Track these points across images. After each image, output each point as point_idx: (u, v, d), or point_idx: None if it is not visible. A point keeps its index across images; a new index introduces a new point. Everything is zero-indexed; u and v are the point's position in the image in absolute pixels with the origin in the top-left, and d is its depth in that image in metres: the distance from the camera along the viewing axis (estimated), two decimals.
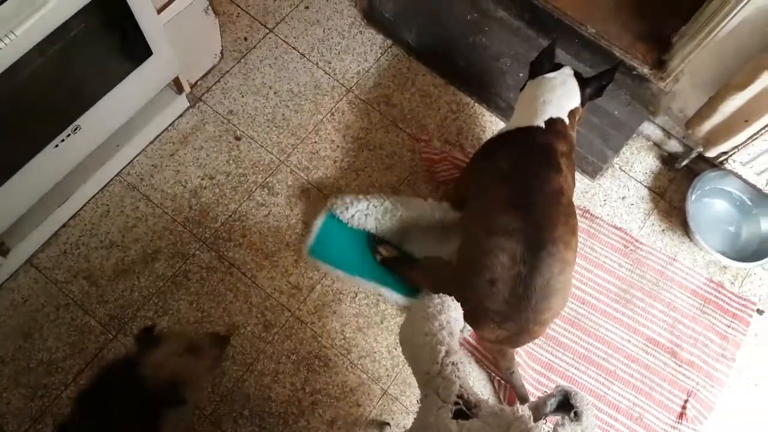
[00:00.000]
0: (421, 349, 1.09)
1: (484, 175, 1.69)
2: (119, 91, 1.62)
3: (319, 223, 1.96)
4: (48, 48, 1.32)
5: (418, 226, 1.94)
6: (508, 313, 1.51)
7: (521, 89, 1.82)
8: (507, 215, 1.52)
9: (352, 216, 1.91)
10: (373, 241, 1.94)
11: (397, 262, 1.91)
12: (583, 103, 1.74)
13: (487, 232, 1.54)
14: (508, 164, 1.62)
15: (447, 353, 1.04)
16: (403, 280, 1.91)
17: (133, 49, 1.57)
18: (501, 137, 1.74)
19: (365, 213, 1.91)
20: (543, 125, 1.65)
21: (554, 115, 1.67)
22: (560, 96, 1.69)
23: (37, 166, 1.54)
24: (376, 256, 1.92)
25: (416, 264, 1.87)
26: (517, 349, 1.86)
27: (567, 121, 1.68)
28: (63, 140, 1.56)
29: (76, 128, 1.57)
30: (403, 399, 1.86)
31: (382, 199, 1.92)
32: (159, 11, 1.57)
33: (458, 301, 1.37)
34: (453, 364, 1.03)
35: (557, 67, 1.75)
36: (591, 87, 1.75)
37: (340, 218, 1.94)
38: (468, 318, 1.48)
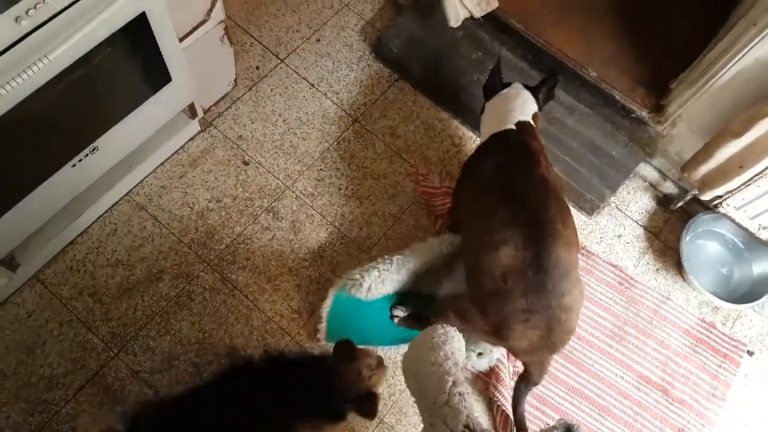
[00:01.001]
0: (427, 379, 1.12)
1: (471, 189, 1.74)
2: (138, 114, 1.67)
3: (328, 304, 1.89)
4: (74, 71, 1.36)
5: (432, 265, 1.93)
6: (531, 306, 1.46)
7: (481, 113, 1.91)
8: (500, 210, 1.55)
9: (369, 289, 1.85)
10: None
11: (414, 318, 1.90)
12: (540, 108, 1.87)
13: (486, 233, 1.54)
14: (492, 167, 1.68)
15: (454, 383, 1.08)
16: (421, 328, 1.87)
17: (154, 74, 1.62)
18: (477, 150, 1.81)
19: (380, 279, 1.85)
20: (514, 127, 1.75)
21: (522, 119, 1.77)
22: (522, 104, 1.81)
23: (55, 184, 1.58)
24: (393, 320, 1.92)
25: (433, 310, 1.82)
26: (494, 393, 1.88)
27: (533, 123, 1.79)
28: (81, 160, 1.60)
29: (94, 149, 1.62)
30: (399, 428, 1.87)
31: (389, 259, 1.88)
32: (180, 40, 1.62)
33: (482, 319, 1.43)
34: (460, 394, 1.06)
35: (507, 84, 1.88)
36: (542, 92, 1.88)
37: (357, 297, 1.86)
38: (496, 333, 1.51)
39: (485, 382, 1.93)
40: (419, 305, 1.92)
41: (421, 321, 1.88)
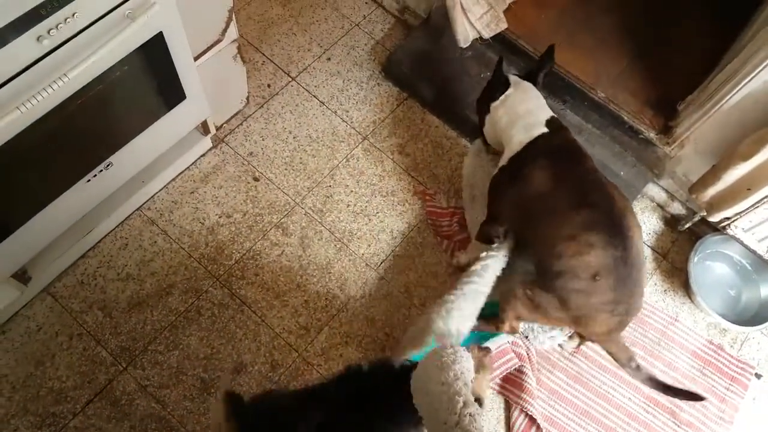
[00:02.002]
0: (437, 399, 1.12)
1: (521, 199, 1.72)
2: (152, 131, 1.70)
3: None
4: (91, 88, 1.39)
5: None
6: (618, 297, 1.56)
7: (483, 124, 1.89)
8: (575, 215, 1.60)
9: (458, 329, 1.67)
10: None
11: (483, 320, 1.82)
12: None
13: (566, 240, 1.58)
14: (544, 174, 1.67)
15: (465, 404, 1.08)
16: (491, 329, 1.89)
17: (169, 92, 1.65)
18: (515, 161, 1.76)
19: (461, 314, 1.69)
20: (546, 129, 1.75)
21: (548, 116, 1.78)
22: (536, 98, 1.82)
23: (69, 198, 1.60)
24: None
25: (501, 304, 1.80)
26: (519, 404, 1.88)
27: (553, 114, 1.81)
28: (95, 175, 1.62)
29: (108, 164, 1.64)
30: None
31: (461, 291, 1.71)
32: (195, 59, 1.65)
33: (562, 310, 1.55)
34: (470, 415, 1.07)
35: (506, 81, 1.84)
36: (540, 77, 1.88)
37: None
38: (576, 321, 1.61)
39: (507, 391, 1.93)
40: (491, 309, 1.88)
41: (490, 322, 1.87)
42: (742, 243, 2.07)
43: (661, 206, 2.31)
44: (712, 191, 1.95)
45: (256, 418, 1.30)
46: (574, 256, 1.57)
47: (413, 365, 1.35)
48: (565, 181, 1.66)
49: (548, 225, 1.65)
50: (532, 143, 1.74)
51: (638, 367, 1.74)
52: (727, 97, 1.81)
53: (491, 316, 1.90)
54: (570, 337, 1.97)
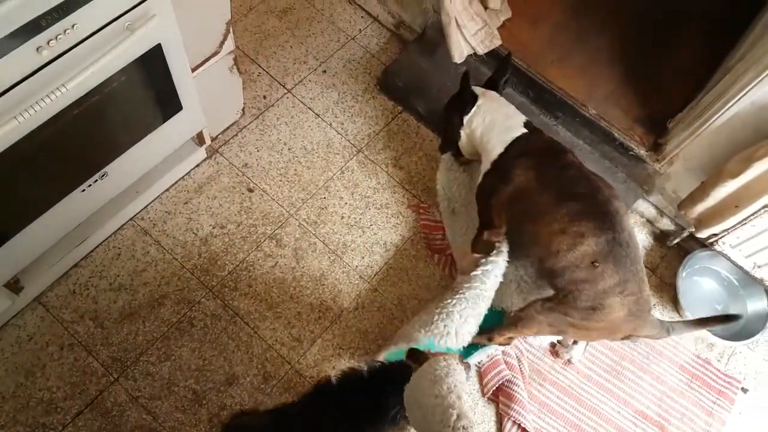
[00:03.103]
0: (431, 411, 1.13)
1: (511, 201, 1.75)
2: (148, 141, 1.70)
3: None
4: (88, 99, 1.39)
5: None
6: (623, 277, 1.58)
7: (455, 138, 1.93)
8: (563, 208, 1.64)
9: (457, 334, 1.76)
10: None
11: (481, 333, 1.87)
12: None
13: (558, 234, 1.63)
14: (530, 174, 1.72)
15: (458, 417, 1.09)
16: (484, 341, 1.91)
17: (166, 103, 1.66)
18: (498, 165, 1.79)
19: (463, 320, 1.76)
20: (525, 129, 1.80)
21: (524, 119, 1.83)
22: (506, 105, 1.87)
23: (64, 208, 1.59)
24: None
25: (513, 322, 1.80)
26: (511, 415, 1.89)
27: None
28: (90, 185, 1.62)
29: (103, 174, 1.64)
30: None
31: (462, 296, 1.77)
32: (192, 70, 1.66)
33: (575, 311, 1.57)
34: (464, 428, 1.08)
35: (473, 94, 1.89)
36: (501, 85, 1.95)
37: (449, 347, 1.75)
38: (591, 316, 1.61)
39: (499, 402, 1.95)
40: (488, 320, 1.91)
41: (486, 334, 1.88)
42: (729, 259, 2.10)
43: (650, 222, 2.34)
44: (700, 208, 1.98)
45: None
46: (569, 249, 1.61)
47: (383, 367, 1.38)
48: (549, 177, 1.70)
49: (539, 224, 1.69)
50: (513, 144, 1.78)
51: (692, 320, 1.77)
52: (716, 116, 1.85)
53: (487, 329, 1.92)
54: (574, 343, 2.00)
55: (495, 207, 1.83)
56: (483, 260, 1.83)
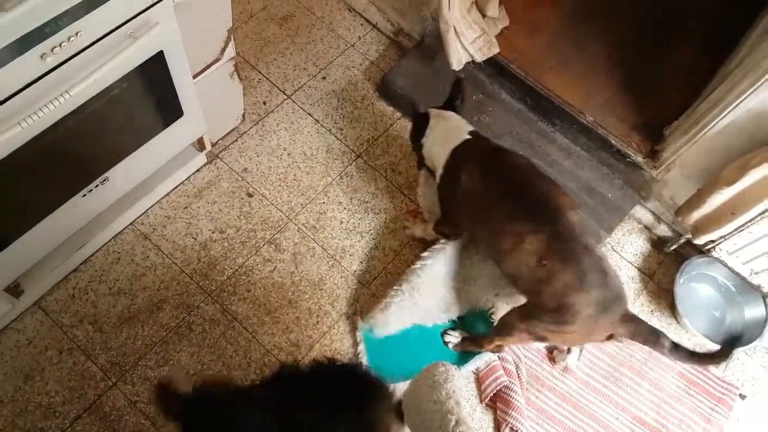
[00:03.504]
0: (429, 417, 1.14)
1: (463, 203, 1.78)
2: (149, 147, 1.71)
3: (363, 350, 1.95)
4: (91, 105, 1.40)
5: (452, 278, 2.02)
6: (576, 272, 1.53)
7: (421, 146, 1.94)
8: (502, 209, 1.65)
9: (394, 323, 1.94)
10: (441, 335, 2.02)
11: (469, 341, 1.97)
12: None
13: (502, 235, 1.64)
14: (474, 178, 1.73)
15: (457, 422, 1.09)
16: (476, 349, 1.96)
17: (167, 109, 1.67)
18: (449, 169, 1.82)
19: (400, 311, 1.93)
20: (469, 136, 1.83)
21: (470, 128, 1.86)
22: (459, 119, 1.90)
23: (65, 213, 1.61)
24: (447, 345, 2.00)
25: (498, 331, 1.84)
26: (508, 421, 1.90)
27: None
28: (91, 190, 1.63)
29: (104, 179, 1.65)
30: None
31: (399, 289, 1.96)
32: (194, 77, 1.67)
33: (548, 314, 1.54)
34: None
35: (426, 116, 1.93)
36: (458, 105, 1.96)
37: (386, 335, 1.96)
38: (564, 319, 1.57)
39: (497, 408, 1.95)
40: (475, 324, 1.97)
41: (476, 341, 1.93)
42: (726, 265, 2.11)
43: (648, 228, 2.36)
44: (697, 214, 1.99)
45: (197, 412, 1.30)
46: (513, 250, 1.61)
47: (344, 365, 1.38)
48: (491, 179, 1.71)
49: (486, 226, 1.72)
50: (458, 150, 1.81)
51: (675, 345, 1.62)
52: (712, 124, 1.86)
53: (477, 336, 1.94)
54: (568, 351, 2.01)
55: (454, 213, 1.88)
56: (426, 253, 2.00)
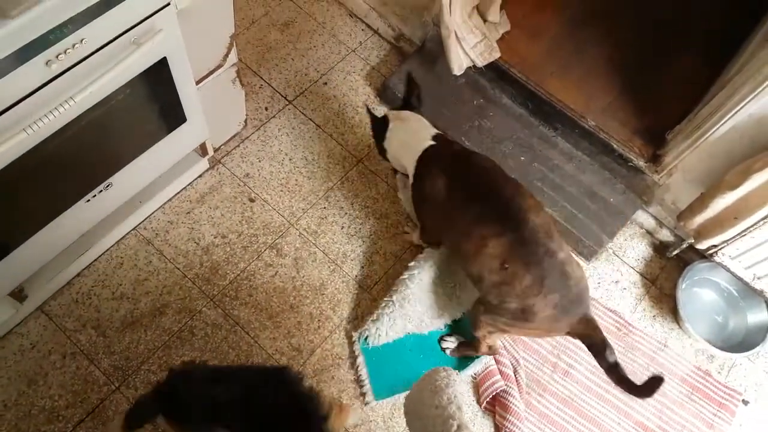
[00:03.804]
0: (431, 422, 1.14)
1: (432, 210, 1.80)
2: (152, 152, 1.72)
3: (362, 363, 1.95)
4: (94, 111, 1.41)
5: (440, 285, 2.03)
6: (536, 275, 1.55)
7: (385, 151, 1.96)
8: (467, 213, 1.66)
9: (387, 334, 1.96)
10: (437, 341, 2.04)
11: (465, 345, 1.99)
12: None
13: (466, 238, 1.65)
14: (440, 182, 1.73)
15: (459, 427, 1.10)
16: (472, 353, 1.98)
17: (170, 115, 1.68)
18: (418, 175, 1.83)
19: (391, 322, 1.95)
20: (433, 141, 1.82)
21: (432, 132, 1.85)
22: (418, 121, 1.90)
23: (68, 218, 1.61)
24: (445, 352, 2.01)
25: (471, 327, 1.85)
26: (506, 426, 1.90)
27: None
28: (95, 196, 1.64)
29: (108, 185, 1.66)
30: None
31: (389, 299, 1.98)
32: (197, 83, 1.69)
33: (508, 314, 1.55)
34: None
35: (385, 119, 1.93)
36: (414, 101, 1.98)
37: (379, 344, 1.97)
38: (525, 318, 1.59)
39: (495, 413, 1.95)
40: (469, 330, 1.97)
41: (472, 345, 1.94)
42: (729, 270, 2.11)
43: (650, 233, 2.36)
44: (699, 219, 1.99)
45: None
46: (477, 253, 1.62)
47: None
48: (457, 183, 1.72)
49: (453, 231, 1.73)
50: (423, 157, 1.81)
51: (615, 364, 1.57)
52: (714, 129, 1.87)
53: (471, 340, 1.94)
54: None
55: (426, 216, 1.91)
56: (412, 263, 2.03)
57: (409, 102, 1.98)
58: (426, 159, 1.80)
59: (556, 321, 1.61)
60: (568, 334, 1.66)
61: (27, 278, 1.72)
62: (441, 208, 1.75)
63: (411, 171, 1.85)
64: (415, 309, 1.99)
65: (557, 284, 1.56)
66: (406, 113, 1.94)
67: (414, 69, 2.42)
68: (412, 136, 1.86)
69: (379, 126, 1.93)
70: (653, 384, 1.53)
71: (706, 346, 2.10)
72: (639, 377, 2.05)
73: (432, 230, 1.98)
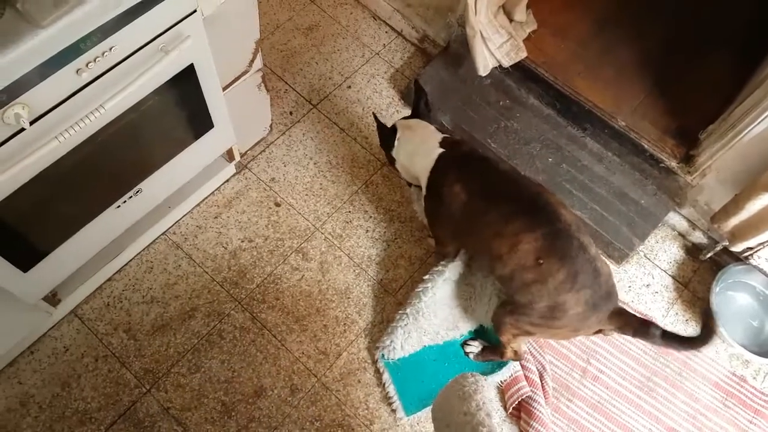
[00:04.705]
0: (460, 429, 1.13)
1: (452, 215, 1.77)
2: (180, 158, 1.74)
3: (388, 380, 1.94)
4: (124, 118, 1.44)
5: (455, 297, 2.02)
6: (570, 270, 1.54)
7: (394, 160, 1.95)
8: (494, 213, 1.64)
9: (402, 347, 1.95)
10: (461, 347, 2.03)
11: (489, 350, 1.97)
12: (429, 121, 1.94)
13: (497, 239, 1.63)
14: (457, 188, 1.72)
15: None
16: (497, 358, 1.96)
17: (198, 121, 1.70)
18: (431, 185, 1.82)
19: (407, 334, 1.94)
20: (441, 148, 1.79)
21: (439, 138, 1.83)
22: (424, 128, 1.88)
23: (100, 224, 1.64)
24: (468, 356, 2.00)
25: (495, 331, 1.84)
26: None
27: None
28: (125, 201, 1.67)
29: (138, 191, 1.68)
30: None
31: (404, 312, 1.97)
32: (223, 89, 1.70)
33: (536, 314, 1.54)
34: None
35: (393, 128, 1.91)
36: (422, 108, 1.95)
37: (399, 357, 1.95)
38: (552, 315, 1.59)
39: (521, 420, 1.93)
40: (493, 336, 1.96)
41: (496, 350, 1.93)
42: (765, 273, 2.05)
43: (682, 235, 2.30)
44: (734, 221, 1.94)
45: None
46: (510, 251, 1.60)
47: None
48: (475, 186, 1.70)
49: (478, 233, 1.70)
50: (436, 166, 1.79)
51: (664, 333, 1.59)
52: (749, 128, 1.82)
53: (495, 344, 1.92)
54: None
55: (441, 227, 1.89)
56: (427, 276, 2.01)
57: (418, 109, 1.96)
58: (438, 169, 1.79)
59: (585, 318, 1.59)
60: (600, 332, 1.65)
61: (60, 283, 1.75)
62: (462, 214, 1.73)
63: (424, 183, 1.83)
64: (430, 322, 1.97)
65: (589, 280, 1.55)
66: (414, 121, 1.92)
67: (438, 70, 2.42)
68: (420, 146, 1.84)
69: (387, 135, 1.92)
70: (711, 327, 1.58)
71: (741, 351, 2.04)
72: (671, 382, 2.03)
73: (449, 239, 1.95)
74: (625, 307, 2.09)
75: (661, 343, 1.60)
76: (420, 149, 1.84)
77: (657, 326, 1.58)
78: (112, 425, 1.79)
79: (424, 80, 2.40)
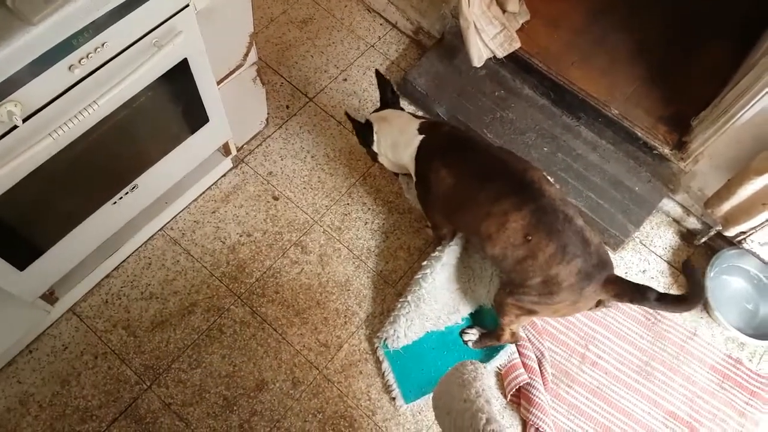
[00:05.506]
0: (460, 417, 1.14)
1: (440, 197, 1.78)
2: (176, 153, 1.74)
3: (388, 368, 1.95)
4: (118, 114, 1.43)
5: (454, 280, 2.03)
6: (559, 243, 1.56)
7: (376, 155, 1.95)
8: (482, 192, 1.66)
9: (405, 334, 1.95)
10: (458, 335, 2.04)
11: (487, 336, 1.98)
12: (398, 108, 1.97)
13: (485, 218, 1.64)
14: (443, 171, 1.73)
15: (488, 421, 1.09)
16: (494, 342, 1.97)
17: (193, 116, 1.70)
18: (418, 171, 1.83)
19: (409, 321, 1.95)
20: (421, 136, 1.81)
21: (416, 125, 1.84)
22: (398, 116, 1.89)
23: (96, 220, 1.64)
24: (467, 344, 2.01)
25: (497, 313, 1.86)
26: (531, 419, 1.89)
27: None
28: (121, 197, 1.67)
29: (134, 187, 1.68)
30: None
31: (405, 300, 1.97)
32: (218, 83, 1.70)
33: (533, 290, 1.56)
34: None
35: (369, 123, 1.92)
36: (389, 97, 1.97)
37: (403, 346, 1.96)
38: (549, 292, 1.60)
39: (520, 406, 1.95)
40: (489, 318, 1.99)
41: (494, 334, 1.94)
42: (758, 257, 2.07)
43: (676, 221, 2.32)
44: (727, 206, 1.95)
45: None
46: (499, 230, 1.62)
47: None
48: (460, 168, 1.72)
49: (467, 215, 1.72)
50: (419, 154, 1.81)
51: (662, 295, 1.59)
52: (740, 114, 1.82)
53: (492, 329, 1.93)
54: None
55: (435, 212, 1.90)
56: (425, 262, 2.01)
57: (386, 99, 1.97)
58: (422, 155, 1.80)
59: (581, 289, 1.60)
60: (600, 304, 1.66)
61: (58, 280, 1.75)
62: (451, 198, 1.75)
63: (412, 170, 1.84)
64: (431, 307, 1.98)
65: (578, 250, 1.57)
66: (387, 112, 1.92)
67: (433, 62, 2.42)
68: (399, 136, 1.85)
69: (364, 131, 1.93)
70: (698, 284, 1.67)
71: (736, 334, 2.06)
72: (669, 366, 2.04)
73: (445, 222, 1.96)
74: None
75: (657, 306, 1.61)
76: (400, 140, 1.84)
77: (653, 290, 1.59)
78: (114, 422, 1.80)
79: (419, 72, 2.41)
